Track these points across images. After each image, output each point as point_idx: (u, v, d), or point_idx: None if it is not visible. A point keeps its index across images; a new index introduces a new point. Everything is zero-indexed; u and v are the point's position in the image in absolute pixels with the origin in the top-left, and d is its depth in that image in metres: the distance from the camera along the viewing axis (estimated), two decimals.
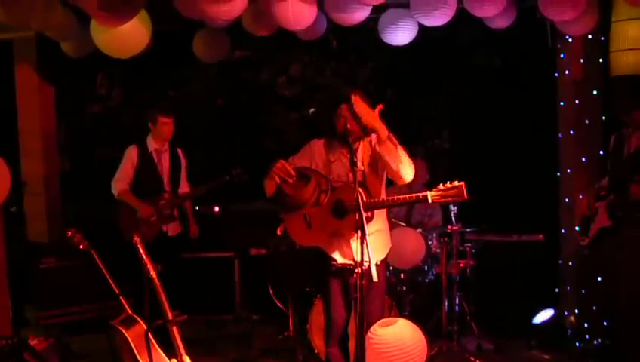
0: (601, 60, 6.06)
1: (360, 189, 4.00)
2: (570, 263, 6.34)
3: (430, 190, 4.06)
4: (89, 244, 4.82)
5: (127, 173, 6.07)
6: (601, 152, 6.07)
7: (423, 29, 5.80)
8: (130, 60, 5.79)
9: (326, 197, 4.19)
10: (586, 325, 6.05)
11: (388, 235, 4.56)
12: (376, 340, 4.08)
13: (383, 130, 4.14)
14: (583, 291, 6.18)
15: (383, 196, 4.33)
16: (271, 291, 6.52)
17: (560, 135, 6.46)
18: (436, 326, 5.96)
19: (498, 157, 7.48)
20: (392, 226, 5.92)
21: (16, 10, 5.09)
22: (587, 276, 6.05)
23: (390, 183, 4.42)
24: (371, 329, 4.13)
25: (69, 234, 4.83)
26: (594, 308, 5.97)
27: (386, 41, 6.01)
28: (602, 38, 5.92)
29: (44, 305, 6.39)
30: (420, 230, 6.11)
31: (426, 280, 6.28)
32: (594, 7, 5.43)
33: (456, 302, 6.00)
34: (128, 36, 5.24)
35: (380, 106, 4.18)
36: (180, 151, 6.34)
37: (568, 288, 6.38)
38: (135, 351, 4.30)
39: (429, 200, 4.04)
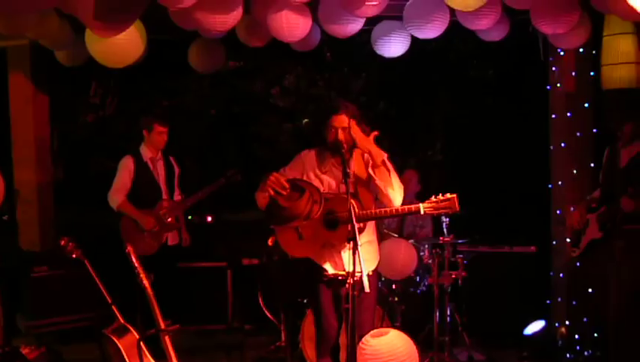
0: (592, 74, 6.10)
1: (352, 200, 4.02)
2: (562, 275, 6.36)
3: (422, 201, 4.08)
4: (82, 253, 4.82)
5: (125, 184, 6.01)
6: (592, 165, 6.11)
7: (416, 41, 5.83)
8: (125, 70, 5.78)
9: (319, 209, 4.18)
10: (576, 336, 6.07)
11: (377, 246, 4.57)
12: (368, 350, 4.10)
13: (379, 156, 4.18)
14: (574, 303, 6.20)
15: (374, 207, 4.35)
16: (260, 301, 6.53)
17: (552, 147, 6.49)
18: (428, 336, 5.96)
19: (490, 169, 7.51)
20: (384, 237, 6.00)
21: (11, 19, 5.10)
22: (578, 288, 6.08)
23: None
24: (363, 339, 4.15)
25: (62, 242, 4.82)
26: (585, 319, 5.99)
27: (379, 52, 6.03)
28: (594, 52, 5.95)
29: (36, 314, 6.34)
30: (412, 241, 6.12)
31: (418, 291, 6.29)
32: (586, 21, 5.46)
33: (448, 313, 5.99)
34: (123, 46, 5.23)
35: (376, 133, 4.24)
36: (172, 160, 6.34)
37: (559, 299, 6.39)
38: (127, 361, 4.30)
39: (422, 212, 4.07)
